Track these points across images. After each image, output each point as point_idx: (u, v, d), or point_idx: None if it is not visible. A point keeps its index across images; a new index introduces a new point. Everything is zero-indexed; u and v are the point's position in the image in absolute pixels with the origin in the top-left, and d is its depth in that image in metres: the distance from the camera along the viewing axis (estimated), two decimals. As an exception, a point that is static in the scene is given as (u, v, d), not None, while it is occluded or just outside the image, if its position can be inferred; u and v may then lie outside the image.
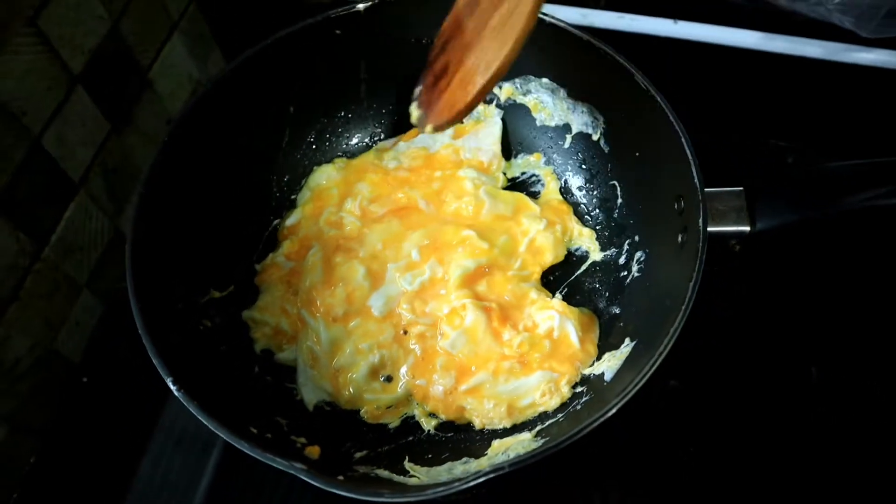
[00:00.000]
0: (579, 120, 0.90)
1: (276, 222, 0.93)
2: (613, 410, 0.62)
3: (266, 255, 0.90)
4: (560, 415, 0.77)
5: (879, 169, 0.72)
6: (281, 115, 0.92)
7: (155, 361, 0.65)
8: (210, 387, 0.72)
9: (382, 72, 0.93)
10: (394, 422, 0.80)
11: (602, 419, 0.62)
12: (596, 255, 0.89)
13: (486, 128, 0.95)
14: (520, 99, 0.93)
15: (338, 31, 0.88)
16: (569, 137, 0.92)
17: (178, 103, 1.12)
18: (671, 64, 1.03)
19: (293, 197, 0.94)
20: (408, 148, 0.94)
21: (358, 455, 0.76)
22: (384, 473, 0.72)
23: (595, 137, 0.90)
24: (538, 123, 0.94)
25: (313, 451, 0.74)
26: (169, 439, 0.86)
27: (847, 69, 1.05)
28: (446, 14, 0.87)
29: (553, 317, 0.80)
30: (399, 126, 0.98)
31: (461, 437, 0.78)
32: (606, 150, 0.89)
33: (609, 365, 0.77)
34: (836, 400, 0.82)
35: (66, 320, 0.90)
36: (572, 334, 0.80)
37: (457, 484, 0.60)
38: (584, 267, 0.89)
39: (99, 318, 0.94)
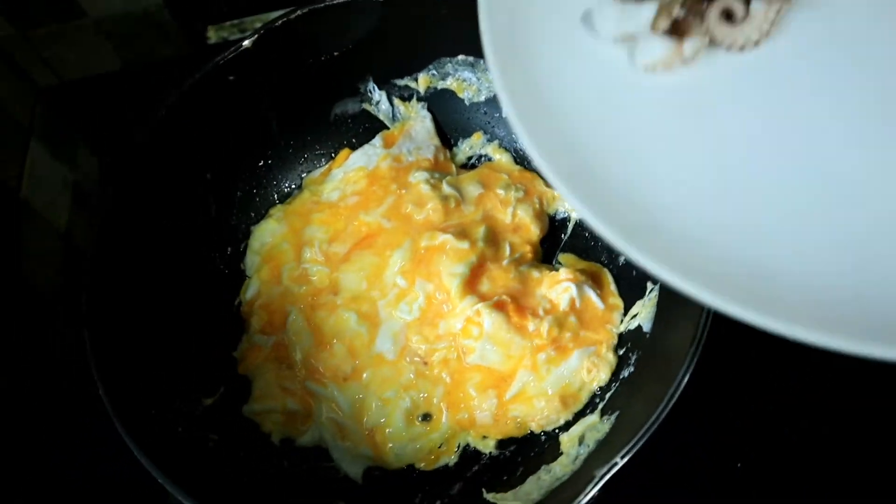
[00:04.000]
0: (509, 85, 0.85)
1: (236, 301, 0.83)
2: (686, 377, 0.58)
3: (239, 340, 0.80)
4: (615, 384, 0.73)
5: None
6: (199, 186, 0.82)
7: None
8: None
9: (290, 103, 0.85)
10: (451, 458, 0.74)
11: (679, 389, 0.58)
12: (576, 212, 0.85)
13: (416, 125, 0.88)
14: (440, 85, 0.87)
15: (231, 77, 0.79)
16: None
17: (61, 213, 0.99)
18: None
19: (242, 267, 0.84)
20: (343, 174, 0.86)
21: (434, 508, 0.69)
22: (473, 517, 0.66)
23: (531, 97, 0.85)
24: (467, 103, 0.88)
25: (390, 526, 0.67)
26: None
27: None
28: (339, 28, 0.81)
29: (568, 288, 0.76)
30: (325, 155, 0.90)
31: (527, 447, 0.73)
32: (548, 105, 0.85)
33: (642, 316, 0.74)
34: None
35: None
36: (594, 297, 0.76)
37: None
38: (569, 229, 0.84)
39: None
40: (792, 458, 0.73)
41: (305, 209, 0.86)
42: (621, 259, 0.80)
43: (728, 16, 0.44)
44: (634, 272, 0.77)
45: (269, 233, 0.85)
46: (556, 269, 0.79)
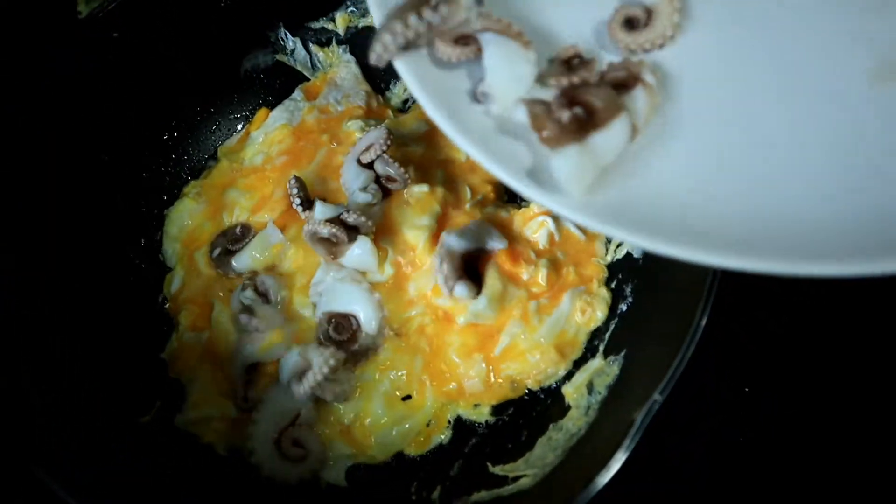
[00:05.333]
0: (440, 12, 0.76)
1: (160, 298, 0.70)
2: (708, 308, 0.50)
3: (168, 341, 0.68)
4: (613, 322, 0.65)
5: None
6: (95, 172, 0.69)
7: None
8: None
9: (191, 62, 0.72)
10: (444, 436, 0.64)
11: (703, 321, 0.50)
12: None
13: (341, 72, 0.78)
14: (362, 22, 0.77)
15: (115, 34, 0.66)
16: (436, 37, 0.77)
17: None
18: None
19: (161, 259, 0.72)
20: (265, 135, 0.75)
21: (435, 495, 0.59)
22: (484, 496, 0.57)
23: (467, 22, 0.76)
24: (395, 39, 0.78)
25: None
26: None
27: None
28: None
29: (544, 222, 0.68)
30: (240, 119, 0.78)
31: (527, 408, 0.64)
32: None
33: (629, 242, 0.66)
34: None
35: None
36: (572, 227, 0.69)
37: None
38: (530, 163, 0.75)
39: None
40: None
41: (226, 181, 0.74)
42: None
43: (631, 23, 0.43)
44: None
45: (186, 214, 0.73)
46: (525, 206, 0.70)
